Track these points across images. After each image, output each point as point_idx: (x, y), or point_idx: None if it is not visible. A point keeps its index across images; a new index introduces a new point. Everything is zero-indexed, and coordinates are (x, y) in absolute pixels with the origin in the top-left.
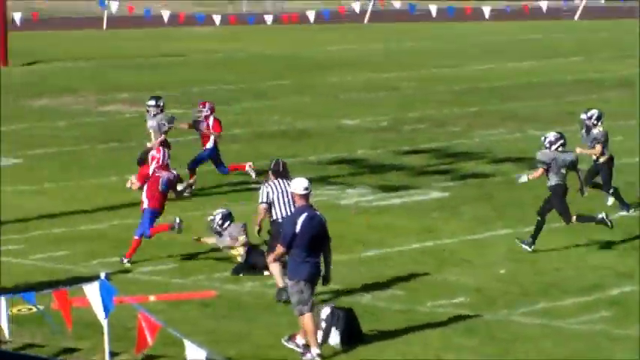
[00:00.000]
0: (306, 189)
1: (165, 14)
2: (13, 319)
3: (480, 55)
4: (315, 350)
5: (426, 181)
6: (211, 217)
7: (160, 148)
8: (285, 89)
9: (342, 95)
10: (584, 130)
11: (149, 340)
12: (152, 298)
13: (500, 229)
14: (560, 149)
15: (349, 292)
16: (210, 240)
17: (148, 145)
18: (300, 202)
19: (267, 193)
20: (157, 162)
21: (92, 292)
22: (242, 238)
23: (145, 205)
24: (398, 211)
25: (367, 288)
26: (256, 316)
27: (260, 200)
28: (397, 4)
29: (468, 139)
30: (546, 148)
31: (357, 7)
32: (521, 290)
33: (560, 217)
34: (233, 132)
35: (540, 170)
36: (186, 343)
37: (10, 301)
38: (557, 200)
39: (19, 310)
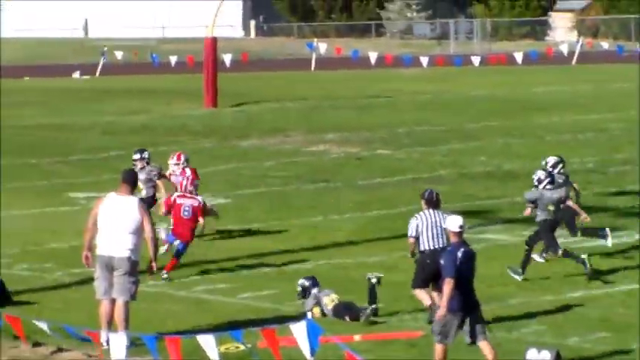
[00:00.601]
0: (461, 227)
1: (373, 56)
2: (222, 357)
3: None
4: None
5: (632, 223)
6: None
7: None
8: (492, 130)
9: (549, 136)
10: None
11: None
12: (357, 337)
13: None
14: (548, 187)
15: (554, 333)
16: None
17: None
18: (454, 239)
19: (417, 225)
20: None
21: (299, 331)
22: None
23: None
24: (604, 252)
25: (573, 329)
26: (458, 356)
27: (409, 234)
28: (605, 45)
29: None
30: (535, 186)
31: (564, 48)
32: None
33: (549, 250)
34: (439, 173)
35: (528, 210)
36: None
37: (219, 340)
38: (543, 234)
39: (227, 349)
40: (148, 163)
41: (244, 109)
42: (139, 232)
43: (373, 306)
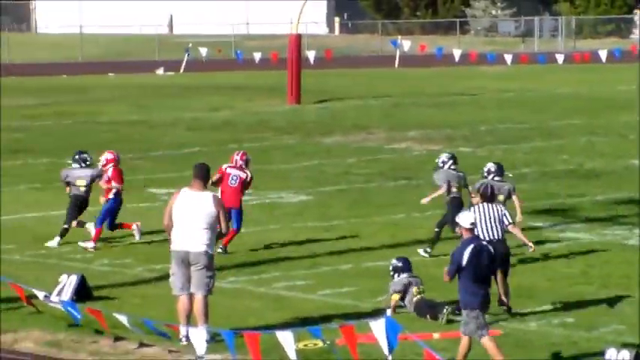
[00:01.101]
0: (472, 224)
1: (457, 53)
2: (300, 354)
3: None
4: None
5: None
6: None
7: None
8: (575, 128)
9: (632, 135)
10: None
11: None
12: (436, 335)
13: None
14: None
15: (634, 332)
16: None
17: None
18: (466, 235)
19: (474, 218)
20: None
21: (378, 328)
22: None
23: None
24: None
25: None
26: (540, 355)
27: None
28: None
29: None
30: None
31: None
32: None
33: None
34: (521, 171)
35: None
36: None
37: (298, 336)
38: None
39: (305, 345)
40: (88, 166)
41: (327, 105)
42: (214, 226)
43: (453, 305)
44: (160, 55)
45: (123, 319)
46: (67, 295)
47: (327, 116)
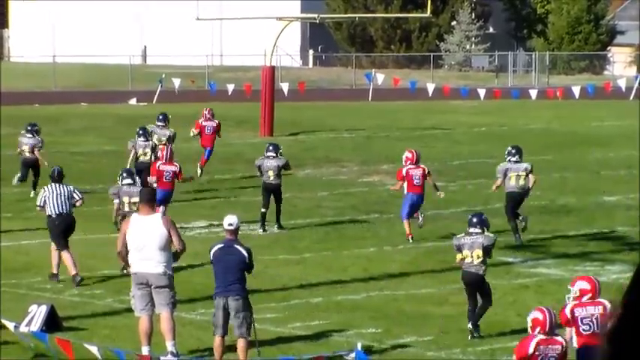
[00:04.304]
0: (230, 224)
1: (430, 87)
2: None
3: None
4: None
5: None
6: None
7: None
8: (548, 164)
9: (604, 171)
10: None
11: None
12: None
13: None
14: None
15: None
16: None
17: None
18: (227, 236)
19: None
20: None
21: None
22: None
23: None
24: None
25: None
26: None
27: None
28: None
29: None
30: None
31: (622, 83)
32: None
33: None
34: (494, 206)
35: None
36: None
37: None
38: None
39: None
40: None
41: (300, 138)
42: (167, 246)
43: None
44: (133, 86)
45: (93, 349)
46: (37, 325)
47: (299, 149)
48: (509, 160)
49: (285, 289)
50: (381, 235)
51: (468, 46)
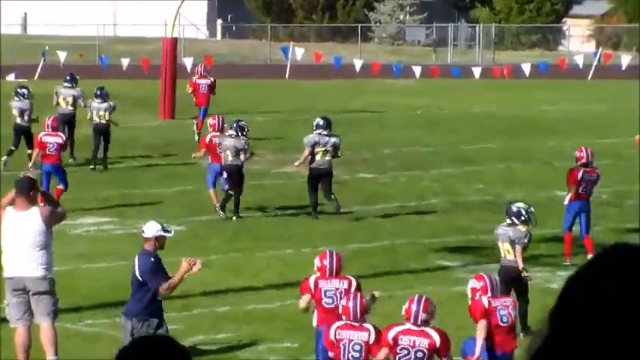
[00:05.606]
0: (142, 231)
1: (358, 64)
2: None
3: None
4: None
5: None
6: None
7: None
8: (493, 154)
9: (558, 162)
10: None
11: None
12: None
13: None
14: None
15: None
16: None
17: None
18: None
19: None
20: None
21: None
22: None
23: None
24: None
25: None
26: None
27: None
28: (627, 58)
29: None
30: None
31: (580, 60)
32: None
33: None
34: (429, 201)
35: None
36: None
37: None
38: None
39: None
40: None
41: (207, 122)
42: (48, 245)
43: None
44: (12, 59)
45: None
46: None
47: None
48: (320, 133)
49: (186, 297)
50: (298, 235)
51: (401, 17)
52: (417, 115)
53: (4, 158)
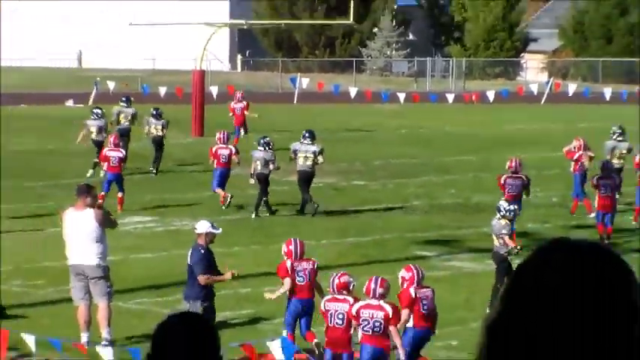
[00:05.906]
0: (195, 228)
1: (353, 91)
2: None
3: None
4: None
5: None
6: None
7: None
8: (464, 165)
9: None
10: None
11: None
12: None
13: None
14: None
15: None
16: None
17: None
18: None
19: None
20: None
21: (275, 347)
22: None
23: None
24: None
25: None
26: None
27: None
28: (573, 87)
29: None
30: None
31: (534, 88)
32: None
33: None
34: (412, 203)
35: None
36: None
37: None
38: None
39: None
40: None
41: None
42: (101, 239)
43: None
44: (69, 88)
45: (30, 339)
46: None
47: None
48: (302, 142)
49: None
50: (305, 232)
51: (388, 52)
52: (402, 134)
53: (90, 171)
